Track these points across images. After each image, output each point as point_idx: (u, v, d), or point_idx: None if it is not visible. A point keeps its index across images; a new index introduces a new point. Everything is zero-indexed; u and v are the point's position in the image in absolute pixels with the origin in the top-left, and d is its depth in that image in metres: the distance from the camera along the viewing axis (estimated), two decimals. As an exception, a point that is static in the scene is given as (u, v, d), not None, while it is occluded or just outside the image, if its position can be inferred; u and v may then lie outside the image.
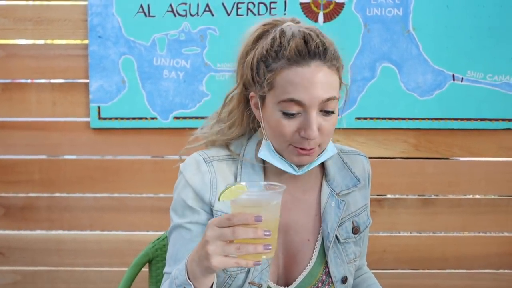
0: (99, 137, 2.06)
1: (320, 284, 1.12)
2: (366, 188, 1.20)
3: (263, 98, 1.03)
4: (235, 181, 1.09)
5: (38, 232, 2.14)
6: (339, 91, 1.04)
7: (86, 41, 2.02)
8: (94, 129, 2.04)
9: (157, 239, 1.43)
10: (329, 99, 0.99)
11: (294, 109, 0.99)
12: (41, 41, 2.08)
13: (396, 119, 2.01)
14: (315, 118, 0.99)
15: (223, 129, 1.12)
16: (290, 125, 1.00)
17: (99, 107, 2.02)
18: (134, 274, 1.39)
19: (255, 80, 1.03)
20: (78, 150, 2.10)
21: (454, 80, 1.99)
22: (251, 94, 1.06)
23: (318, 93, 0.97)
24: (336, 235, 1.12)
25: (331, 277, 1.12)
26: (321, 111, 1.00)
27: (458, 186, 2.09)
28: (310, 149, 1.02)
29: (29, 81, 2.13)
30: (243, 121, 1.12)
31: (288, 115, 0.99)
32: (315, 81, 0.97)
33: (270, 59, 1.00)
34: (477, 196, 2.12)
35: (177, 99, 2.02)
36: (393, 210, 2.10)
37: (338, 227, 1.12)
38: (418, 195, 2.14)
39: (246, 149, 1.12)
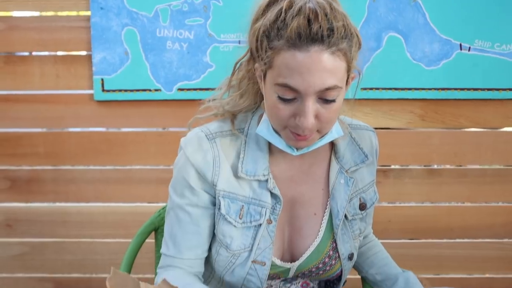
0: (103, 109, 2.05)
1: (327, 259, 1.11)
2: (374, 164, 1.18)
3: (264, 74, 0.97)
4: (238, 158, 1.05)
5: (44, 204, 2.16)
6: (352, 71, 0.96)
7: (88, 13, 1.99)
8: (98, 101, 2.03)
9: (162, 208, 1.44)
10: (328, 89, 0.90)
11: (290, 94, 0.92)
12: (43, 13, 2.06)
13: (402, 89, 1.99)
14: (311, 106, 0.91)
15: (234, 99, 1.07)
16: (285, 109, 0.93)
17: (102, 80, 2.01)
18: (139, 243, 1.39)
19: (258, 52, 0.96)
20: (82, 122, 2.09)
21: (461, 49, 1.96)
22: (256, 65, 1.00)
23: (315, 81, 0.89)
24: (345, 214, 1.11)
25: (338, 252, 1.11)
26: (320, 98, 0.92)
27: (464, 156, 2.08)
28: (306, 136, 0.96)
29: (31, 53, 2.11)
30: (253, 90, 1.07)
31: (283, 100, 0.93)
32: (313, 68, 0.88)
33: (273, 35, 0.91)
34: (483, 167, 2.11)
35: (181, 71, 2.00)
36: (399, 180, 2.09)
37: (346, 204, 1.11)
38: (424, 166, 2.13)
39: (251, 123, 1.08)
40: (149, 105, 2.03)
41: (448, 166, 2.11)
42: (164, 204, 1.49)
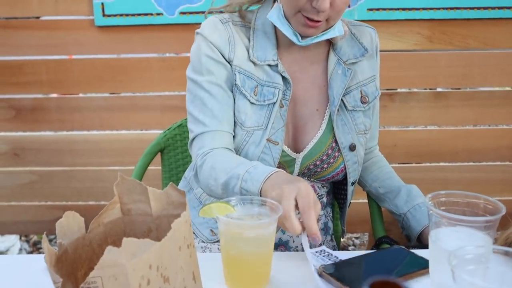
0: (104, 35, 2.01)
1: (330, 151, 1.12)
2: (374, 59, 1.19)
3: None
4: (249, 44, 1.10)
5: (50, 133, 2.16)
6: None
7: None
8: (99, 27, 1.99)
9: (167, 129, 1.44)
10: None
11: None
12: None
13: (409, 9, 1.94)
14: None
15: None
16: None
17: (102, 4, 1.96)
18: (146, 164, 1.40)
19: None
20: (84, 49, 2.05)
21: (471, -34, 1.89)
22: None
23: None
24: (344, 102, 1.13)
25: (339, 144, 1.13)
26: None
27: (471, 78, 2.05)
28: (318, 21, 1.01)
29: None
30: None
31: None
32: None
33: None
34: (491, 89, 2.09)
35: (182, -6, 1.95)
36: (405, 104, 2.08)
37: (346, 94, 1.13)
38: (430, 89, 2.11)
39: (258, 14, 1.12)
40: (151, 30, 1.99)
41: (454, 89, 2.09)
42: (170, 126, 1.48)
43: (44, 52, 2.08)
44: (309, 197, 0.83)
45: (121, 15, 1.97)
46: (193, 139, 1.11)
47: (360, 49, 1.16)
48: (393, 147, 2.11)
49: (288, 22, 1.06)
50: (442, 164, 2.16)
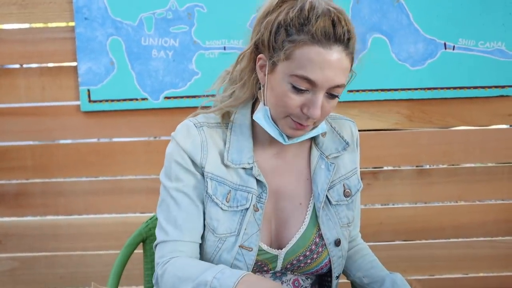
0: (90, 120, 2.04)
1: (313, 247, 1.12)
2: (355, 152, 1.21)
3: (274, 64, 1.03)
4: (224, 147, 1.10)
5: (34, 218, 2.14)
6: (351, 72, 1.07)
7: (72, 24, 1.99)
8: (85, 112, 2.02)
9: (150, 219, 1.43)
10: (339, 86, 1.01)
11: (305, 86, 0.99)
12: (27, 25, 2.05)
13: (388, 90, 2.00)
14: (321, 99, 1.01)
15: (235, 92, 1.12)
16: (296, 100, 1.01)
17: (88, 90, 2.00)
18: (127, 255, 1.38)
19: (271, 44, 1.02)
20: (70, 134, 2.08)
21: (445, 48, 1.97)
22: (260, 55, 1.06)
23: (332, 77, 0.98)
24: (328, 198, 1.13)
25: (324, 240, 1.12)
26: (327, 93, 1.01)
27: (453, 155, 2.08)
28: (306, 125, 1.04)
29: (17, 66, 2.10)
30: (254, 81, 1.12)
31: (297, 90, 1.00)
32: (333, 65, 0.98)
33: (294, 29, 0.99)
34: (473, 165, 2.12)
35: (167, 79, 1.99)
36: (389, 182, 2.09)
37: (329, 189, 1.14)
38: (414, 166, 2.13)
39: (236, 116, 1.13)
40: (136, 114, 2.02)
41: (437, 166, 2.11)
42: (153, 214, 1.48)
43: (30, 138, 2.10)
44: None
45: (106, 100, 2.01)
46: (156, 245, 1.11)
47: (341, 143, 1.18)
48: (378, 225, 2.10)
49: (275, 124, 1.07)
50: (429, 241, 2.15)
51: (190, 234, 1.09)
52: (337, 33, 0.97)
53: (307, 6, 0.98)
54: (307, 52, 0.98)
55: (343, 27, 0.97)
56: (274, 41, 1.02)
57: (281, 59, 1.01)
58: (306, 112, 1.01)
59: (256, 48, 1.07)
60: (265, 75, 1.06)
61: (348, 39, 0.99)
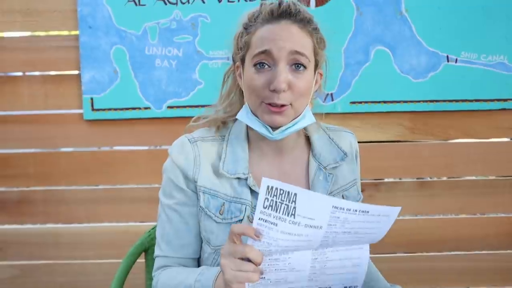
0: (93, 128, 2.04)
1: None
2: (354, 163, 1.22)
3: (243, 62, 1.09)
4: (219, 159, 1.13)
5: (35, 226, 2.14)
6: (319, 65, 1.11)
7: (76, 32, 1.99)
8: (88, 120, 2.03)
9: (152, 228, 1.43)
10: (297, 52, 1.03)
11: (263, 60, 1.04)
12: (31, 33, 2.06)
13: (391, 102, 2.00)
14: (283, 69, 1.03)
15: (225, 108, 1.17)
16: (260, 79, 1.04)
17: (92, 99, 2.00)
18: (129, 264, 1.38)
19: (238, 48, 1.10)
20: (72, 142, 2.08)
21: (448, 61, 1.97)
22: (236, 64, 1.13)
23: (285, 44, 1.02)
24: None
25: None
26: (291, 65, 1.04)
27: (454, 168, 2.08)
28: (281, 106, 1.04)
29: (20, 74, 2.11)
30: (241, 98, 1.15)
31: (259, 68, 1.04)
32: (284, 34, 1.03)
33: (250, 24, 1.08)
34: (474, 178, 2.12)
35: (170, 88, 2.00)
36: (390, 194, 2.09)
37: None
38: (415, 178, 2.13)
39: (232, 129, 1.16)
40: (139, 123, 2.03)
41: (438, 178, 2.11)
42: (155, 224, 1.48)
43: (32, 145, 2.10)
44: None
45: (109, 109, 2.01)
46: (155, 258, 1.17)
47: (339, 153, 1.18)
48: (380, 236, 2.10)
49: (256, 116, 1.08)
50: (430, 254, 2.15)
51: (181, 251, 1.13)
52: (282, 9, 1.05)
53: (259, 5, 1.09)
54: (259, 33, 1.05)
55: (288, 3, 1.05)
56: (240, 41, 1.09)
57: (245, 51, 1.08)
58: (272, 87, 1.02)
59: (234, 63, 1.14)
60: (241, 78, 1.11)
61: (297, 12, 1.05)
